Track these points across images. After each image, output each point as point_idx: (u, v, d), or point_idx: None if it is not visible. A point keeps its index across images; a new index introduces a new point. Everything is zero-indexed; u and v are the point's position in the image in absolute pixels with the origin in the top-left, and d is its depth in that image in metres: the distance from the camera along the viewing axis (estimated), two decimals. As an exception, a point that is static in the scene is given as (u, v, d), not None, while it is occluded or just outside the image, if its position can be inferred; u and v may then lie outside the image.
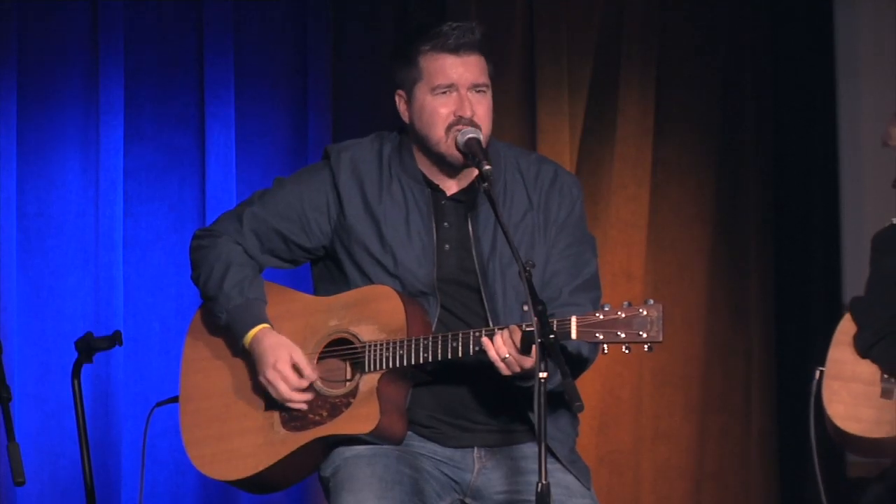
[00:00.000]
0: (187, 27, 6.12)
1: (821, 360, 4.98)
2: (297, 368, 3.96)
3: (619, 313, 3.72)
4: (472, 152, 3.91)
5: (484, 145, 3.93)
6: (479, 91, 3.97)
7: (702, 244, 6.85)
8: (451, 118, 3.94)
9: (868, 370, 4.90)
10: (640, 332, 3.71)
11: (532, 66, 6.57)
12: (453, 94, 3.95)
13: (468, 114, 3.93)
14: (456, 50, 3.94)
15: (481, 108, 3.97)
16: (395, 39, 6.41)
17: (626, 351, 3.75)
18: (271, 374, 3.97)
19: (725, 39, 6.92)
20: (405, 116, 4.03)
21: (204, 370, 4.13)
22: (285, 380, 3.96)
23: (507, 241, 3.78)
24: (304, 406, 3.98)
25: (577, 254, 4.04)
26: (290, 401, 3.97)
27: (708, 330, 6.84)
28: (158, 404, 4.88)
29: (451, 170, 4.01)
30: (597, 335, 3.73)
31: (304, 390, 3.98)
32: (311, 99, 6.24)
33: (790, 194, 6.94)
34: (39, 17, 5.93)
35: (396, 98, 4.04)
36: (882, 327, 4.86)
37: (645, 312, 3.71)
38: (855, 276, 6.70)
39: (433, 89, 3.95)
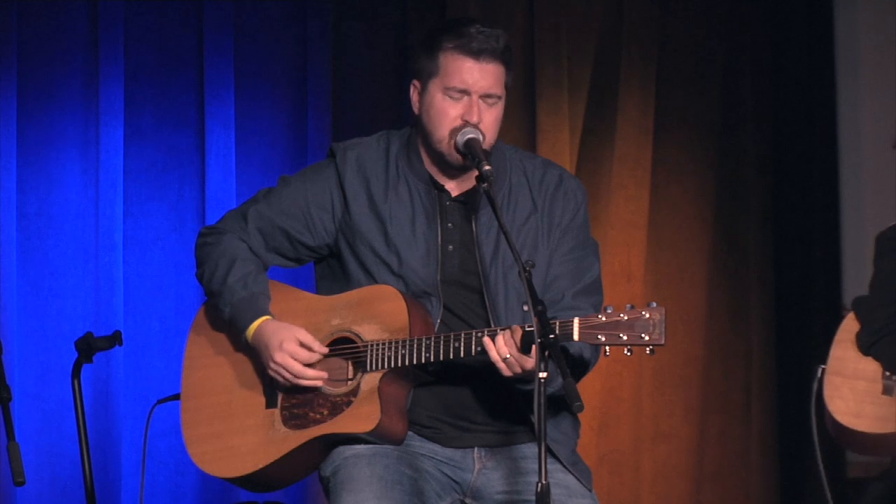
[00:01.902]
0: (187, 27, 6.13)
1: (821, 359, 4.98)
2: (304, 345, 3.96)
3: (622, 315, 3.72)
4: (471, 153, 3.92)
5: (487, 150, 3.93)
6: (490, 101, 3.97)
7: (702, 244, 6.85)
8: (458, 122, 3.95)
9: (870, 367, 4.90)
10: (643, 335, 3.71)
11: (532, 66, 6.57)
12: (465, 98, 3.95)
13: (475, 120, 3.93)
14: (477, 55, 3.94)
15: (489, 117, 3.96)
16: (395, 39, 6.42)
17: (629, 353, 3.75)
18: (279, 356, 3.96)
19: (725, 39, 6.92)
20: (415, 107, 4.03)
21: (206, 368, 4.13)
22: (295, 356, 3.95)
23: (507, 241, 3.79)
24: (318, 383, 3.97)
25: (579, 258, 4.05)
26: (303, 378, 3.96)
27: (708, 330, 6.84)
28: (160, 401, 4.89)
29: (452, 170, 4.02)
30: (599, 337, 3.73)
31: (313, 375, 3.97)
32: (311, 99, 6.24)
33: (790, 194, 6.94)
34: (39, 17, 5.93)
35: (411, 87, 4.04)
36: (884, 325, 4.87)
37: (647, 315, 3.71)
38: (855, 276, 6.70)
39: (446, 89, 3.95)
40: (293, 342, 3.96)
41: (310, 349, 3.96)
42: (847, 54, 6.91)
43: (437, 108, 3.97)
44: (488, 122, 3.96)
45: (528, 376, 3.78)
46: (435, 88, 3.97)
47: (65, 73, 5.97)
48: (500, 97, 3.98)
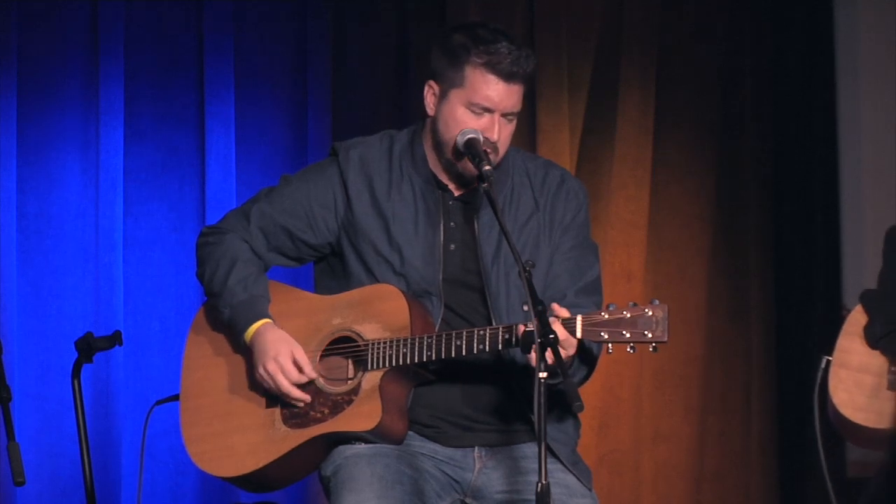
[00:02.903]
0: (187, 27, 6.12)
1: (826, 351, 4.98)
2: (297, 364, 3.96)
3: (625, 313, 3.73)
4: (471, 152, 3.91)
5: (495, 163, 3.92)
6: (510, 117, 3.96)
7: (702, 244, 6.85)
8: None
9: (876, 361, 4.91)
10: (646, 332, 3.72)
11: (532, 67, 6.56)
12: (486, 115, 3.94)
13: (495, 138, 3.93)
14: (508, 77, 3.92)
15: (505, 133, 3.96)
16: (395, 39, 6.42)
17: (631, 351, 3.75)
18: (271, 367, 3.96)
19: (725, 39, 6.92)
20: (430, 109, 4.02)
21: (205, 367, 4.13)
22: (285, 373, 3.96)
23: (507, 242, 3.79)
24: (300, 403, 3.98)
25: (580, 257, 4.05)
26: (288, 395, 3.97)
27: (708, 330, 6.84)
28: (159, 402, 4.89)
29: (459, 176, 4.02)
30: (602, 334, 3.74)
31: (303, 389, 3.98)
32: (311, 99, 6.24)
33: (790, 194, 6.94)
34: (39, 17, 5.93)
35: (426, 86, 4.02)
36: (892, 319, 4.87)
37: (650, 312, 3.71)
38: (855, 277, 6.70)
39: (470, 104, 3.94)
40: (287, 357, 3.97)
41: (301, 370, 3.96)
42: (847, 54, 6.91)
43: (457, 120, 3.95)
44: (504, 137, 3.97)
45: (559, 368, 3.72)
46: (457, 100, 3.96)
47: (65, 73, 5.97)
48: (518, 112, 3.98)
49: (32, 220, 5.91)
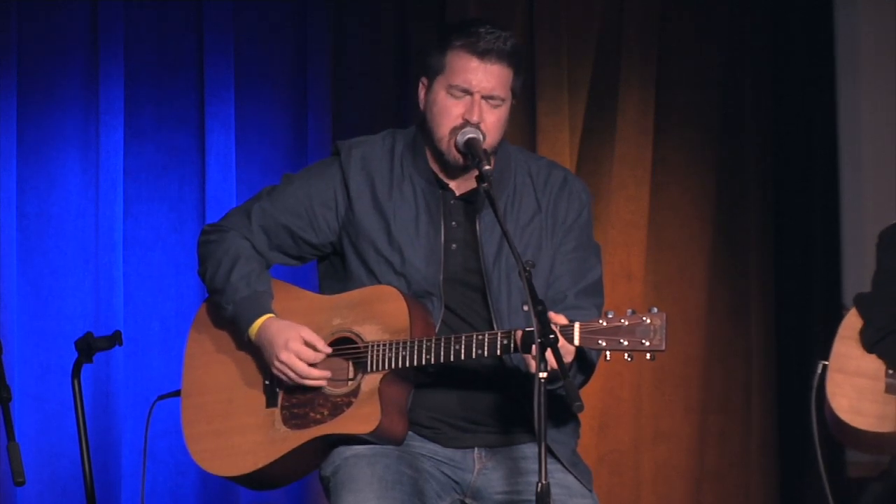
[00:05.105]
0: (187, 27, 6.13)
1: (821, 356, 4.98)
2: (309, 345, 3.96)
3: (623, 321, 3.71)
4: (471, 152, 3.91)
5: (487, 150, 3.92)
6: (493, 102, 3.96)
7: (702, 244, 6.85)
8: (458, 121, 3.94)
9: (873, 365, 4.91)
10: (643, 341, 3.70)
11: (532, 67, 6.57)
12: (467, 98, 3.95)
13: (475, 119, 3.93)
14: (482, 55, 3.93)
15: (491, 117, 3.96)
16: (395, 39, 6.42)
17: (629, 359, 3.74)
18: (285, 355, 3.95)
19: (725, 39, 6.92)
20: (421, 104, 4.03)
21: (207, 365, 4.13)
22: (300, 356, 3.94)
23: (507, 242, 3.78)
24: (322, 383, 3.96)
25: (582, 258, 4.05)
26: (308, 378, 3.95)
27: (708, 330, 6.84)
28: (160, 397, 4.88)
29: (453, 170, 4.02)
30: (600, 342, 3.73)
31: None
32: (311, 99, 6.24)
33: (790, 194, 6.95)
34: (39, 17, 5.93)
35: (419, 84, 4.04)
36: (888, 323, 4.88)
37: (648, 321, 3.70)
38: (855, 277, 6.70)
39: (450, 87, 3.95)
40: (298, 341, 3.96)
41: (314, 348, 3.96)
42: (847, 54, 6.91)
43: (439, 105, 3.97)
44: (490, 122, 3.95)
45: (557, 374, 3.72)
46: (440, 86, 3.97)
47: (65, 73, 5.97)
48: (503, 99, 3.97)
49: (32, 220, 5.92)
